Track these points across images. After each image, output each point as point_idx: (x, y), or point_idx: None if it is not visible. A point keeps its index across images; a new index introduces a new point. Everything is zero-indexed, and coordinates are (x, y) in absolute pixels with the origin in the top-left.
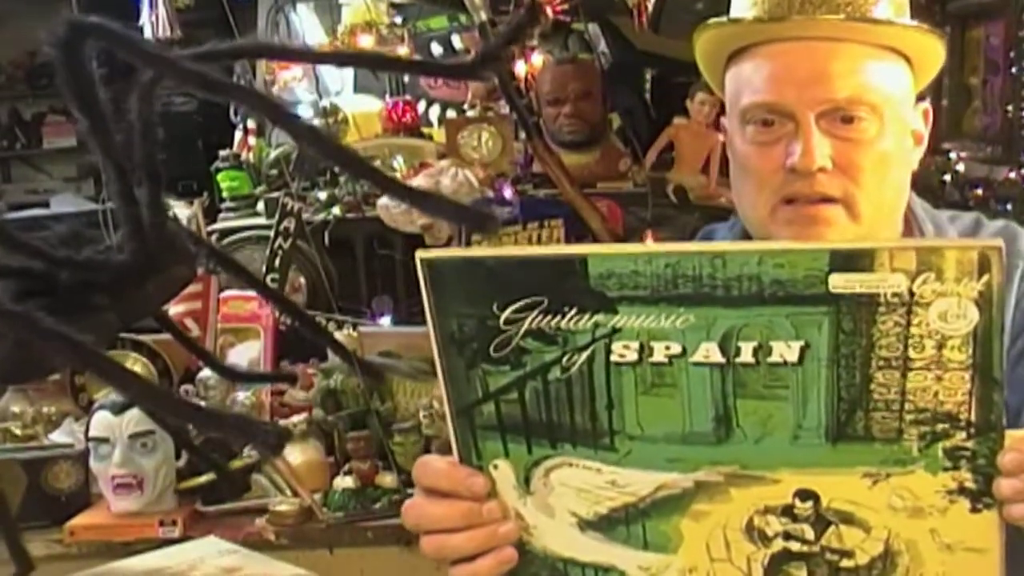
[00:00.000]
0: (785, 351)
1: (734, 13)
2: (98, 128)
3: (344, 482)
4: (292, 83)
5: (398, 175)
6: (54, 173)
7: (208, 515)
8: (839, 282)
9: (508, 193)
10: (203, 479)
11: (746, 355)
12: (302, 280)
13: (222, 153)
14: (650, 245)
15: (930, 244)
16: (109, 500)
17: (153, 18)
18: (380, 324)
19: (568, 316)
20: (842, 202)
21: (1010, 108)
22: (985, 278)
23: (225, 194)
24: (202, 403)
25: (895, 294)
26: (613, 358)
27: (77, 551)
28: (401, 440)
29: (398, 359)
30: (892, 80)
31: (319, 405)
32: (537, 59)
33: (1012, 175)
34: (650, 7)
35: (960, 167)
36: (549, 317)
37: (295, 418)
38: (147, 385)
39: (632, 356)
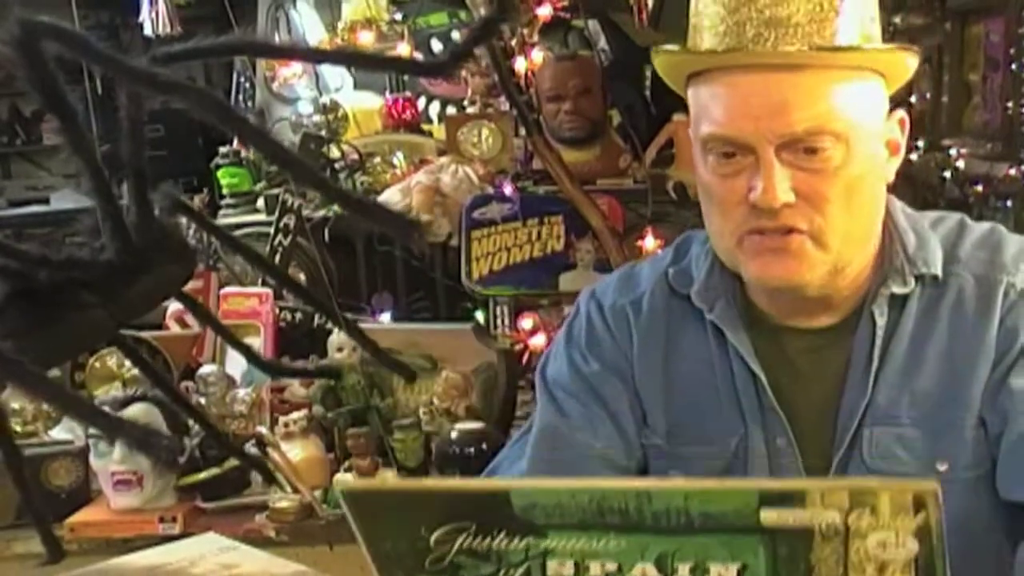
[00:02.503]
0: (723, 571)
1: (691, 38)
2: (69, 126)
3: (344, 479)
4: (292, 80)
5: (398, 172)
6: (54, 169)
7: (208, 511)
8: (771, 516)
9: (508, 190)
10: (203, 475)
11: (683, 574)
12: (302, 277)
13: (222, 150)
14: (572, 481)
15: (862, 485)
16: (109, 497)
17: (153, 14)
18: (380, 321)
19: (498, 538)
20: (808, 233)
21: (1010, 104)
22: (922, 514)
23: (225, 191)
24: (202, 400)
25: (829, 525)
26: (549, 574)
27: (77, 547)
28: (401, 437)
29: (398, 356)
30: (859, 101)
31: (319, 402)
32: (537, 55)
33: (1012, 171)
34: (650, 3)
35: (960, 164)
36: (479, 539)
37: (295, 415)
38: (54, 387)
39: (568, 572)
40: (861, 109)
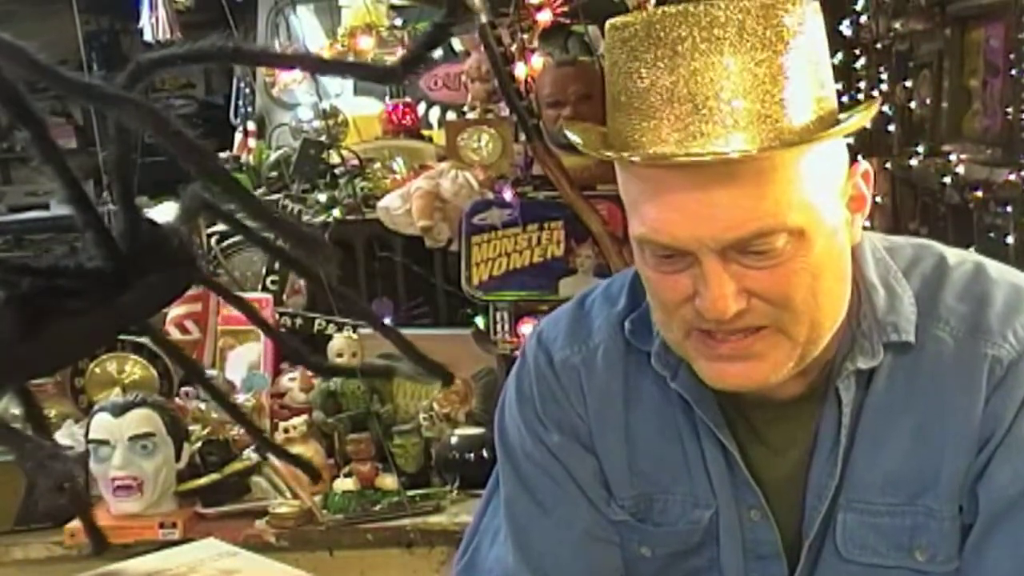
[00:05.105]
0: None
1: (612, 118)
2: (36, 136)
3: (344, 484)
4: (292, 85)
5: (398, 177)
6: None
7: (208, 517)
8: None
9: (508, 195)
10: (203, 481)
11: None
12: (302, 282)
13: (222, 155)
14: None
15: None
16: (109, 502)
17: (153, 20)
18: None
19: None
20: (771, 328)
21: (1010, 110)
22: None
23: None
24: (202, 405)
25: None
26: None
27: (77, 553)
28: (401, 442)
29: (398, 361)
30: (814, 174)
31: (319, 407)
32: (537, 61)
33: (1012, 177)
34: (651, 8)
35: (960, 169)
36: None
37: (295, 420)
38: None
39: None
40: (818, 183)
